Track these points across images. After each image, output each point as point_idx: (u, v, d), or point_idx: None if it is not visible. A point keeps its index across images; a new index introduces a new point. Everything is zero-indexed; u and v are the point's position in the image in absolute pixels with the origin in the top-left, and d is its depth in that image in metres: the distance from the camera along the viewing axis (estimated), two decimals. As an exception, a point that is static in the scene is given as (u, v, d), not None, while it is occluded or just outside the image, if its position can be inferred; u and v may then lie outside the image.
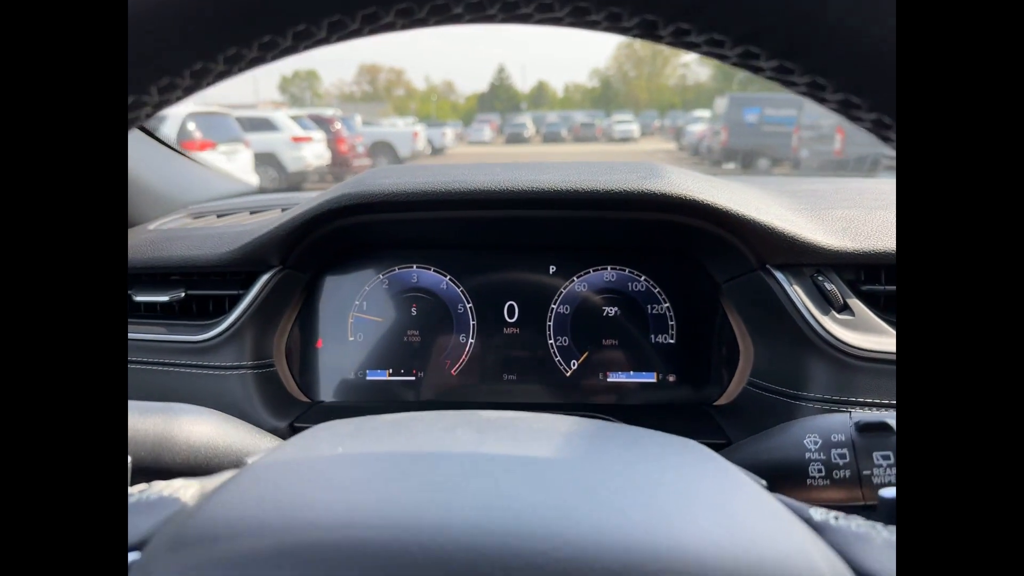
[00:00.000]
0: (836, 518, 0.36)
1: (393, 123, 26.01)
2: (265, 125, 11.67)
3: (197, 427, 0.53)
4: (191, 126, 8.52)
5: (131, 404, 0.52)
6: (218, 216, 1.11)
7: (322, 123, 14.01)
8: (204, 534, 0.29)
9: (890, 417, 0.50)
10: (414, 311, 0.97)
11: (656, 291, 0.93)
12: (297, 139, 11.75)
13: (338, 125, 14.57)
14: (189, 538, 0.30)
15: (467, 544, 0.27)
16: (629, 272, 0.93)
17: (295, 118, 12.77)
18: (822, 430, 0.52)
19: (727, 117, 16.60)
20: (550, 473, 0.34)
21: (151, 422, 0.51)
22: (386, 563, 0.26)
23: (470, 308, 0.97)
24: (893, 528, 0.34)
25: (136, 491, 0.38)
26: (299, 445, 0.40)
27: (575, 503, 0.30)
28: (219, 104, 11.01)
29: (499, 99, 78.98)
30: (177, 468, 0.51)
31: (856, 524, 0.35)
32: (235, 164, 8.97)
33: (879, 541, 0.33)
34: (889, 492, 0.43)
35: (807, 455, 0.51)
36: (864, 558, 0.31)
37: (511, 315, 0.96)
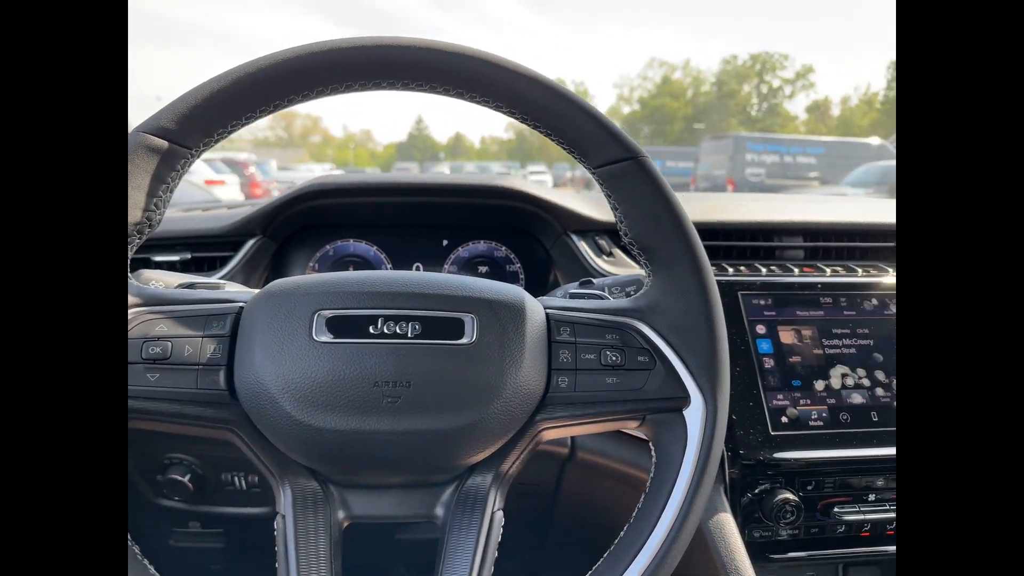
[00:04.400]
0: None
1: (310, 168, 25.96)
2: (176, 167, 11.45)
3: None
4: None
5: None
6: (203, 210, 1.41)
7: (235, 167, 13.97)
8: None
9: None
10: (351, 269, 1.28)
11: (511, 256, 1.30)
12: (210, 182, 11.63)
13: (252, 169, 14.52)
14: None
15: None
16: (494, 244, 1.30)
17: (207, 161, 12.67)
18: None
19: (631, 168, 17.73)
20: None
21: None
22: None
23: (389, 267, 1.29)
24: None
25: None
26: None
27: None
28: (127, 145, 10.74)
29: (417, 148, 79.89)
30: None
31: None
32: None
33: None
34: None
35: None
36: None
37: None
